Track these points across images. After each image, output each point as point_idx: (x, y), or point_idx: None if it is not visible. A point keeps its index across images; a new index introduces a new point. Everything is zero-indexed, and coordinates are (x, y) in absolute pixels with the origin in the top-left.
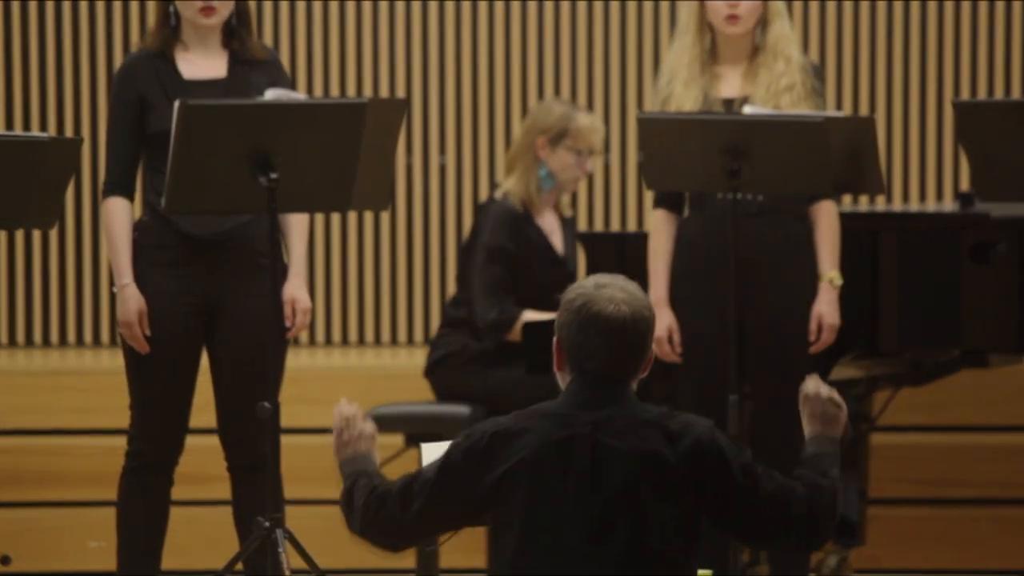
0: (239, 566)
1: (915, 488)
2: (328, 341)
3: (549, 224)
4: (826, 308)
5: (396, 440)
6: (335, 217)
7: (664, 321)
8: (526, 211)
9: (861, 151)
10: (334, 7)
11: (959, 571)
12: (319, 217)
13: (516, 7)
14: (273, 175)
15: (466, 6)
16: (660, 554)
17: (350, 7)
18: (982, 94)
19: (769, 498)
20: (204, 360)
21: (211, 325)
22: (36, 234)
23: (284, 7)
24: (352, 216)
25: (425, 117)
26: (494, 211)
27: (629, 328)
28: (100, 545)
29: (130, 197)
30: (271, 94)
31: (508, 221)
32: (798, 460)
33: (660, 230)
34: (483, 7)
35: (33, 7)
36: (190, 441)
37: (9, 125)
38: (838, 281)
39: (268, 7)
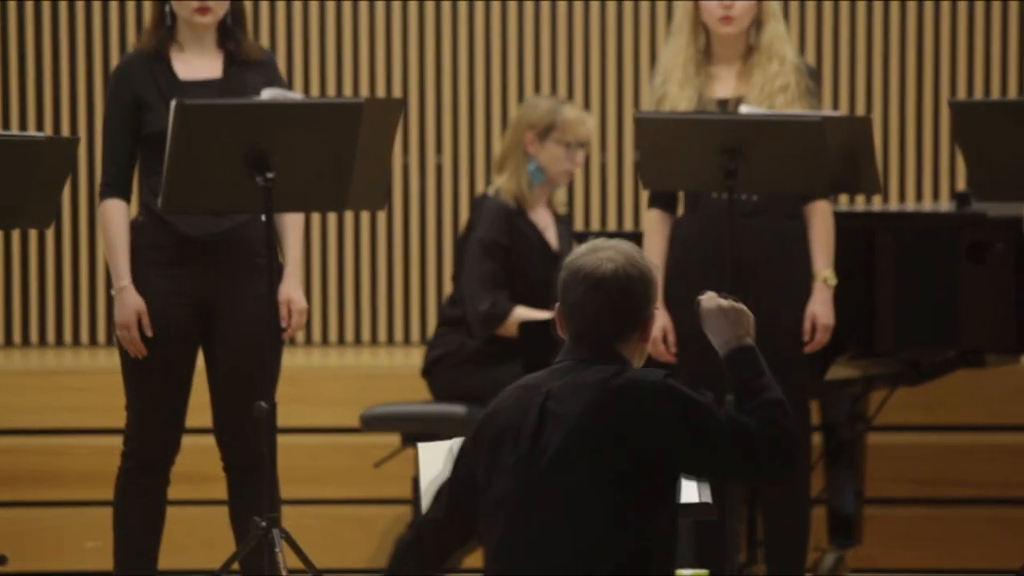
0: (235, 566)
1: (912, 488)
2: (324, 340)
3: (543, 220)
4: (820, 308)
5: (393, 440)
6: (332, 217)
7: (659, 321)
8: (519, 207)
9: (858, 151)
10: (330, 7)
11: (956, 571)
12: (316, 217)
13: (512, 7)
14: (270, 175)
15: (462, 6)
16: (614, 521)
17: (346, 7)
18: (978, 94)
19: (731, 443)
20: (200, 360)
21: (207, 325)
22: (33, 234)
23: (281, 7)
24: (349, 216)
25: (421, 117)
26: (488, 207)
27: (610, 282)
28: (97, 545)
29: (127, 198)
30: (267, 94)
31: (502, 217)
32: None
33: (654, 230)
34: (479, 7)
35: (30, 7)
36: (186, 441)
37: (6, 124)
38: (832, 281)
39: (265, 7)
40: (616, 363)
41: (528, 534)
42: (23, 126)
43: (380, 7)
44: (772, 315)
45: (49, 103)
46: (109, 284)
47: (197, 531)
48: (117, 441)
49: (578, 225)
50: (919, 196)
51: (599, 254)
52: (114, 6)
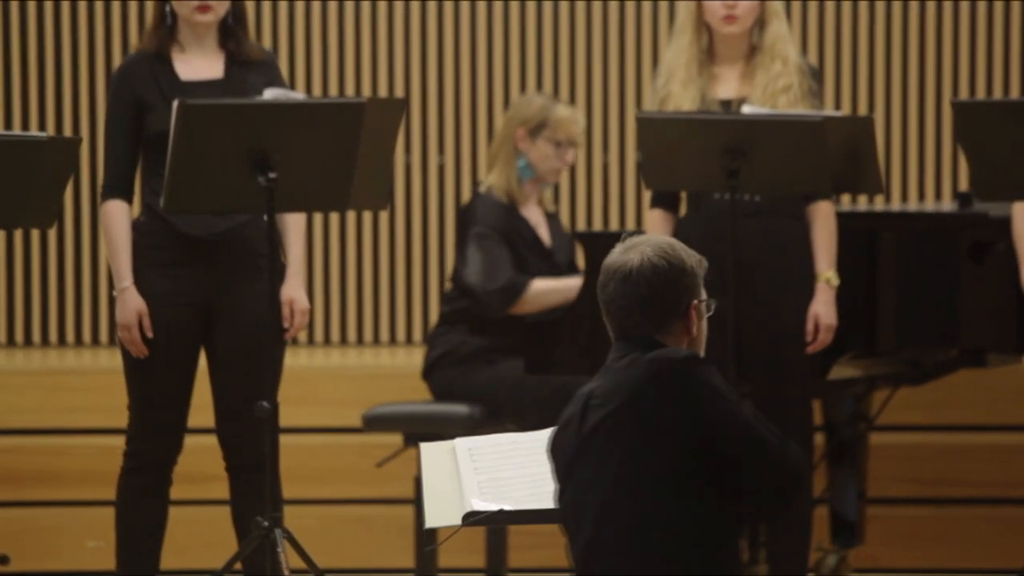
0: (238, 566)
1: (914, 487)
2: (327, 340)
3: (534, 216)
4: (823, 308)
5: (395, 440)
6: (334, 217)
7: None
8: (511, 203)
9: (860, 151)
10: (332, 7)
11: (958, 570)
12: (318, 217)
13: (515, 7)
14: (272, 175)
15: (464, 6)
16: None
17: (349, 7)
18: (981, 94)
19: (743, 445)
20: (203, 360)
21: (209, 325)
22: (35, 234)
23: (283, 7)
24: (351, 216)
25: (424, 117)
26: (482, 203)
27: (636, 274)
28: (99, 545)
29: (129, 200)
30: (270, 94)
31: (498, 211)
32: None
33: (656, 230)
34: (482, 7)
35: (32, 7)
36: (188, 441)
37: (8, 124)
38: (835, 281)
39: (267, 7)
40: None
41: (603, 535)
42: (25, 126)
43: (382, 7)
44: (774, 315)
45: (51, 103)
46: (111, 284)
47: (199, 531)
48: (119, 441)
49: (580, 225)
50: (921, 196)
51: (629, 252)
52: (116, 6)
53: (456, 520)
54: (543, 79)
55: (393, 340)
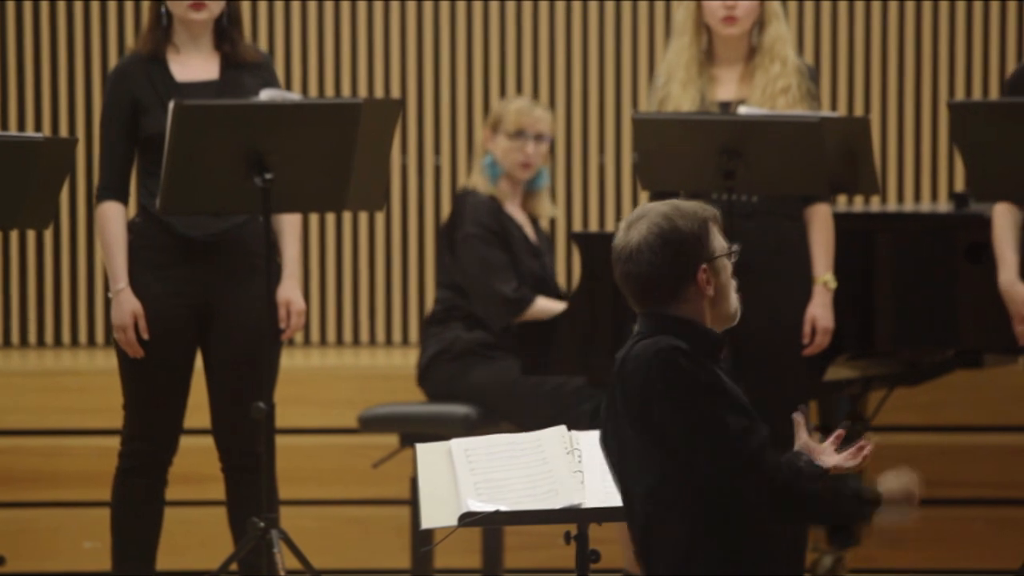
0: (234, 567)
1: None
2: (323, 341)
3: (519, 216)
4: (820, 311)
5: (391, 441)
6: (330, 217)
7: None
8: (495, 201)
9: (856, 151)
10: (328, 7)
11: (954, 571)
12: (314, 217)
13: (511, 7)
14: (268, 176)
15: (461, 6)
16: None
17: (345, 7)
18: (977, 94)
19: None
20: (199, 361)
21: (206, 326)
22: (31, 234)
23: (279, 7)
24: (347, 216)
25: (420, 117)
26: (471, 202)
27: (636, 254)
28: (95, 545)
29: (124, 201)
30: (266, 95)
31: (488, 209)
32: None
33: None
34: (478, 7)
35: (28, 7)
36: (185, 441)
37: (4, 125)
38: (832, 284)
39: (263, 7)
40: (666, 329)
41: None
42: (21, 127)
43: (379, 7)
44: (772, 317)
45: (47, 104)
46: (107, 286)
47: (195, 532)
48: (115, 442)
49: (576, 226)
50: (917, 197)
51: (630, 230)
52: (112, 6)
53: (452, 521)
54: (539, 80)
55: (389, 341)
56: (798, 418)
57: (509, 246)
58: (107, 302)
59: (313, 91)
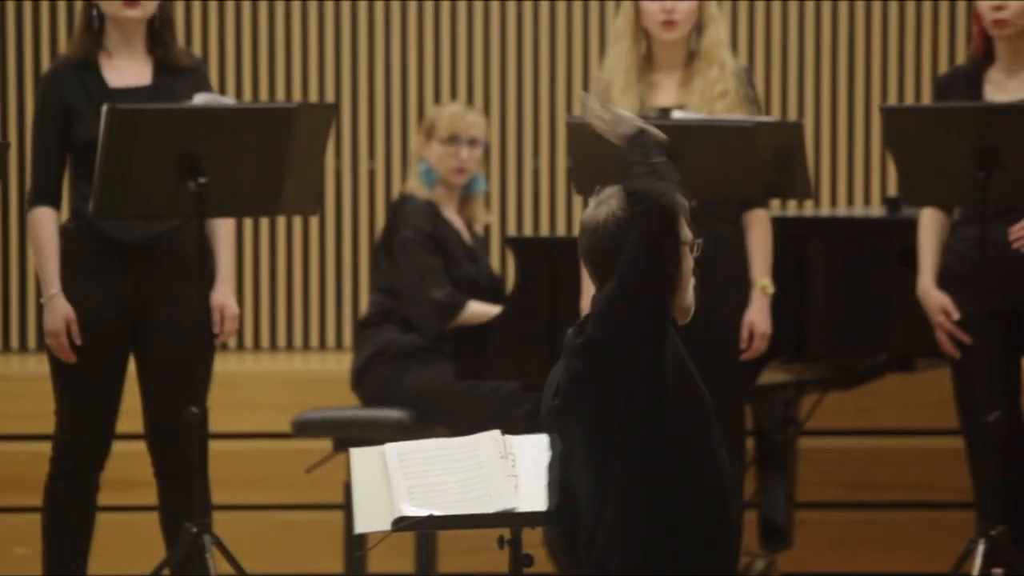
0: (166, 572)
1: (842, 491)
2: (256, 345)
3: (456, 221)
4: (758, 316)
5: (325, 445)
6: (264, 222)
7: None
8: (433, 206)
9: (789, 155)
10: (263, 10)
11: (886, 574)
12: (247, 221)
13: (445, 10)
14: (202, 180)
15: (395, 9)
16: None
17: (279, 10)
18: (909, 99)
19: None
20: (132, 366)
21: (139, 331)
22: None
23: (213, 10)
24: (281, 221)
25: (354, 121)
26: (410, 206)
27: (601, 228)
28: (26, 552)
29: (57, 206)
30: (199, 99)
31: (427, 213)
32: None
33: None
34: (412, 10)
35: None
36: (117, 446)
37: None
38: (770, 289)
39: (197, 10)
40: None
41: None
42: None
43: (313, 11)
44: (709, 321)
45: None
46: (39, 291)
47: (128, 537)
48: (47, 447)
49: (510, 230)
50: (850, 201)
51: (600, 205)
52: (44, 6)
53: (386, 525)
54: (473, 84)
55: (323, 345)
56: None
57: (446, 251)
58: (39, 307)
59: (247, 95)
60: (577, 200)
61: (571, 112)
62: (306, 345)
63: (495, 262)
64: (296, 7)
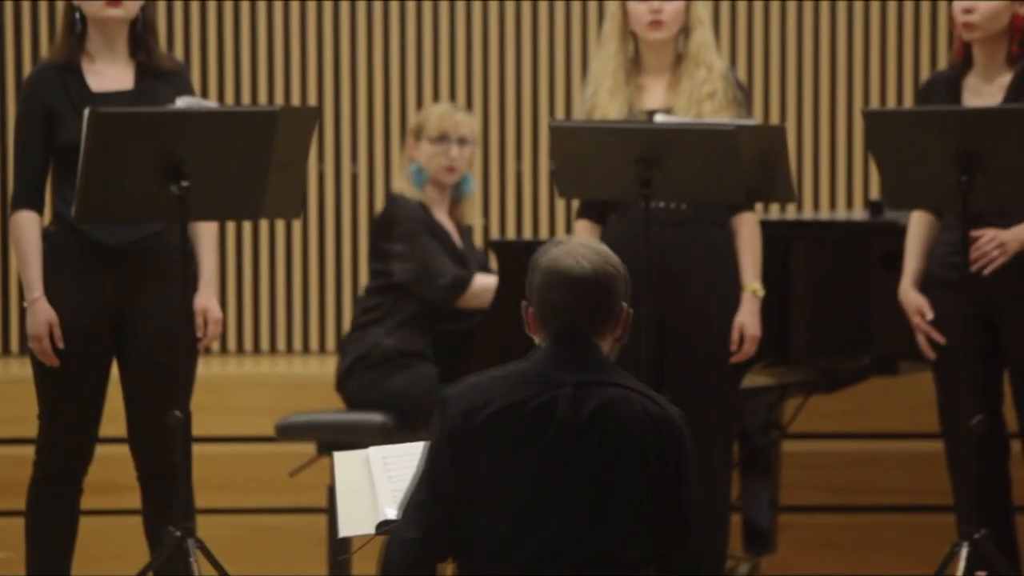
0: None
1: (826, 495)
2: (240, 349)
3: (446, 223)
4: (748, 319)
5: (308, 449)
6: (247, 225)
7: None
8: (424, 207)
9: (772, 159)
10: (245, 13)
11: None
12: (231, 225)
13: (428, 13)
14: (184, 183)
15: (377, 12)
16: (636, 523)
17: (261, 13)
18: (891, 102)
19: (682, 509)
20: (115, 369)
21: (122, 334)
22: None
23: (195, 13)
24: (264, 224)
25: (337, 125)
26: (402, 203)
27: (591, 282)
28: (9, 556)
29: (39, 210)
30: (182, 102)
31: (416, 210)
32: (712, 466)
33: None
34: (394, 13)
35: None
36: (100, 450)
37: None
38: (760, 292)
39: (179, 13)
40: (601, 364)
41: (548, 526)
42: None
43: (295, 13)
44: (699, 324)
45: None
46: (22, 295)
47: (111, 541)
48: (30, 451)
49: (493, 233)
50: (833, 204)
51: (576, 254)
52: (26, 7)
53: (370, 529)
54: (456, 87)
55: (306, 349)
56: None
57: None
58: (22, 311)
59: (230, 99)
60: (560, 203)
61: (554, 115)
62: (289, 349)
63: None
64: (278, 10)
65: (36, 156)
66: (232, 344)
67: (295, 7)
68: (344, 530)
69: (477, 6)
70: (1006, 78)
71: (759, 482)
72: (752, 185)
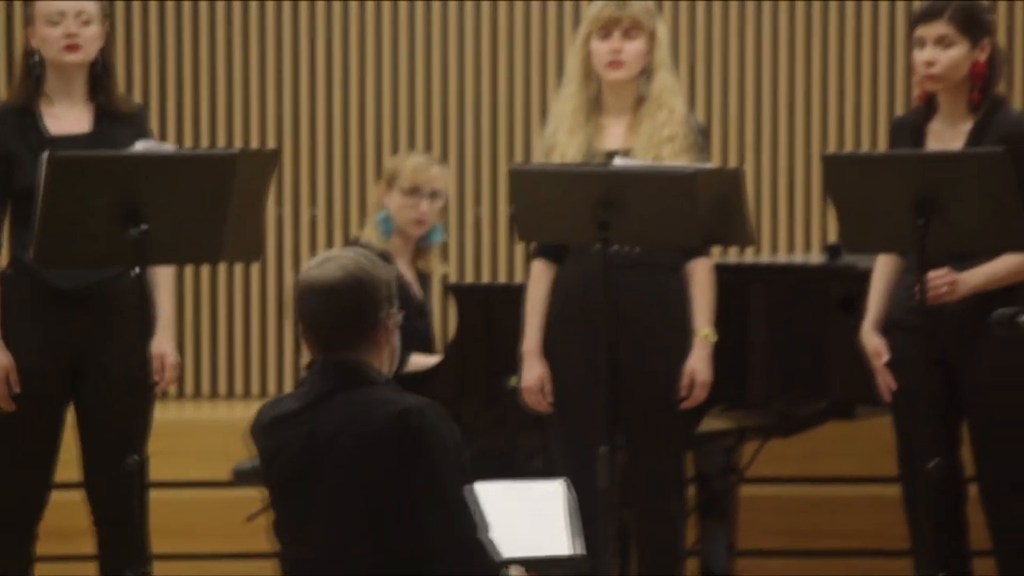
0: None
1: (784, 539)
2: (197, 393)
3: (407, 273)
4: (699, 365)
5: (264, 494)
6: (205, 269)
7: (536, 371)
8: (387, 256)
9: (730, 203)
10: (204, 56)
11: None
12: (189, 269)
13: (387, 59)
14: (143, 227)
15: (336, 56)
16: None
17: (220, 56)
18: (849, 146)
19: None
20: (71, 414)
21: (78, 379)
22: None
23: (154, 55)
24: (222, 268)
25: (296, 169)
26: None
27: (340, 289)
28: None
29: None
30: (140, 146)
31: None
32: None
33: (537, 280)
34: (354, 58)
35: None
36: (56, 495)
37: None
38: (712, 338)
39: (138, 55)
40: (365, 376)
41: (306, 557)
42: None
43: (254, 55)
44: (650, 368)
45: None
46: None
47: None
48: None
49: (452, 277)
50: (791, 248)
51: (328, 264)
52: None
53: None
54: (415, 132)
55: (263, 393)
56: None
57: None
58: None
59: (188, 142)
60: (520, 247)
61: (513, 159)
62: (247, 393)
63: (438, 309)
64: (238, 52)
65: None
66: (189, 388)
67: (254, 49)
68: None
69: (437, 51)
70: (968, 124)
71: (717, 526)
72: (710, 229)
